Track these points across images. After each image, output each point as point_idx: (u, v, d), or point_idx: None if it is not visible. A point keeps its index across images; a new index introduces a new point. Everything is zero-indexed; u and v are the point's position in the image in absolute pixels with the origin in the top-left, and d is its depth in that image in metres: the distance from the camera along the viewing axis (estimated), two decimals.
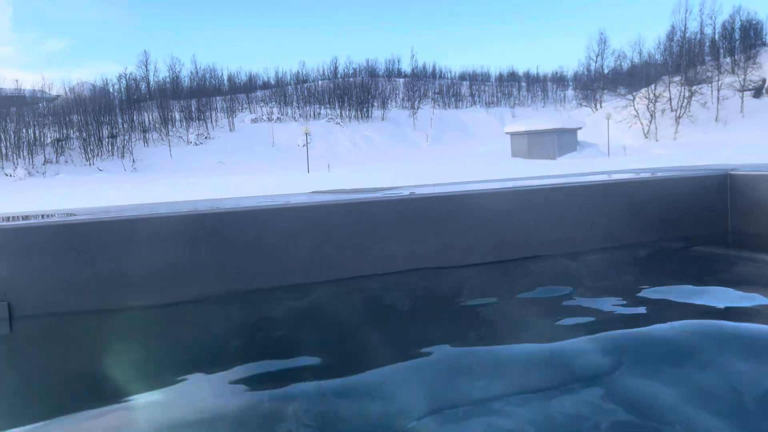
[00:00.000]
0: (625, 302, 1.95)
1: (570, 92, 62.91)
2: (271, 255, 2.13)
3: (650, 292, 2.04)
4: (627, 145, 38.11)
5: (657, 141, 40.64)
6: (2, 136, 39.32)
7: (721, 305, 1.88)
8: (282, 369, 1.53)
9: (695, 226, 2.62)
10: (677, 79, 42.69)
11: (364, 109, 54.73)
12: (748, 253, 2.45)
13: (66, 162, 40.75)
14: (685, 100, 41.63)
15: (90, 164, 41.20)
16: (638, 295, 2.02)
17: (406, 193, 2.34)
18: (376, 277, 2.20)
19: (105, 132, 43.54)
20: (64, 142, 41.94)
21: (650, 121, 42.10)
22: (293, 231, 2.13)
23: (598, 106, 54.64)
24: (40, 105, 47.31)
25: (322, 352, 1.63)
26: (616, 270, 2.39)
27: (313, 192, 2.92)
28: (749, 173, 2.50)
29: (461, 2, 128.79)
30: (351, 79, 58.89)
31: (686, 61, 45.44)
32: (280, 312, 2.05)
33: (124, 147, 43.23)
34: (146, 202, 3.03)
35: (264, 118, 52.66)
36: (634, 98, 42.98)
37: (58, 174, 37.23)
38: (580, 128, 38.01)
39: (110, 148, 43.06)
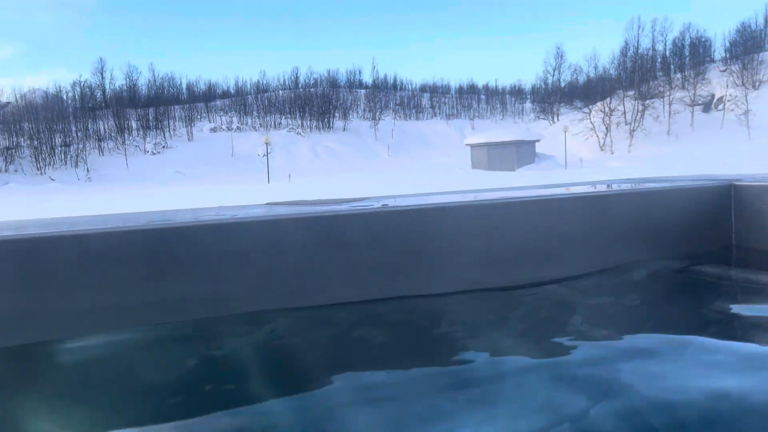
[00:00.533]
0: (624, 331, 1.72)
1: (528, 105, 64.08)
2: (216, 279, 1.73)
3: (651, 318, 1.85)
4: (583, 157, 38.97)
5: (612, 153, 41.66)
6: None
7: (725, 323, 1.76)
8: (228, 417, 1.25)
9: (697, 241, 2.40)
10: (631, 93, 43.96)
11: (326, 120, 54.64)
12: (754, 270, 2.26)
13: (16, 171, 39.47)
14: (639, 114, 42.88)
15: (41, 173, 39.98)
16: (637, 320, 1.84)
17: (377, 205, 1.97)
18: (344, 306, 1.85)
19: (58, 140, 42.35)
20: (14, 151, 40.62)
21: (606, 134, 43.16)
22: (242, 250, 1.74)
23: (556, 118, 55.77)
24: None
25: (276, 398, 1.35)
26: (614, 294, 2.12)
27: (269, 204, 2.45)
28: (755, 184, 2.32)
29: (422, 15, 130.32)
30: (312, 90, 58.78)
31: (639, 76, 46.82)
32: (227, 347, 1.69)
33: (77, 156, 42.11)
34: (72, 216, 2.62)
35: (223, 127, 52.05)
36: (590, 111, 44.03)
37: (7, 183, 36.00)
38: (538, 140, 38.67)
39: (63, 157, 41.89)
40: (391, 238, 1.92)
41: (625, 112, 43.67)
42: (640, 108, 43.08)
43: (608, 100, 44.58)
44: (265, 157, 36.52)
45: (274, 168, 40.35)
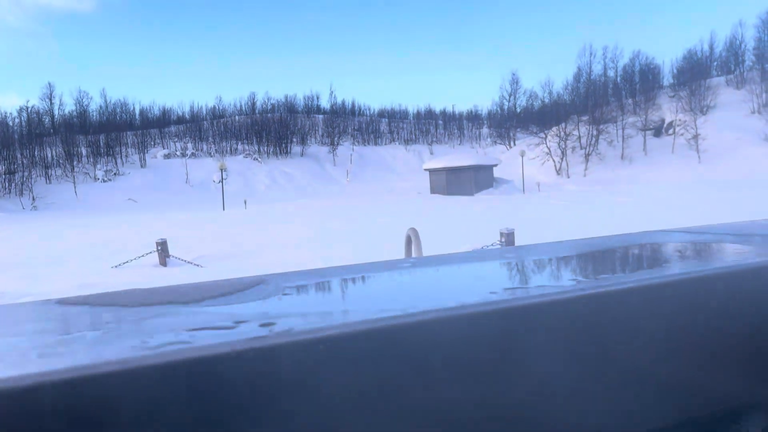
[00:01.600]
0: None
1: (485, 130, 64.79)
2: None
3: None
4: (540, 181, 39.30)
5: (569, 177, 42.17)
6: None
7: None
8: None
9: None
10: (585, 118, 44.82)
11: (283, 145, 54.03)
12: None
13: None
14: (593, 138, 43.65)
15: None
16: None
17: (261, 332, 0.77)
18: None
19: (1, 168, 40.61)
20: None
21: (562, 158, 43.73)
22: None
23: (512, 143, 56.42)
24: None
25: None
26: None
27: (46, 301, 1.02)
28: None
29: (377, 38, 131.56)
30: (269, 115, 58.19)
31: (592, 101, 47.81)
32: None
33: (23, 184, 40.40)
34: None
35: (178, 153, 50.90)
36: (546, 136, 44.63)
37: None
38: (496, 165, 38.86)
39: (7, 185, 40.13)
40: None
41: (579, 137, 44.41)
42: (594, 133, 43.89)
43: (563, 125, 45.31)
44: (221, 183, 35.65)
45: (230, 194, 39.46)
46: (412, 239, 3.29)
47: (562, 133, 44.08)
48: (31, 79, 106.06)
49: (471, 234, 9.32)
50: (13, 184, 40.25)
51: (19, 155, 42.37)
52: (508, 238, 6.26)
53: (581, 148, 44.01)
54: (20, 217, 33.34)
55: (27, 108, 53.27)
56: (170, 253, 8.40)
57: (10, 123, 51.24)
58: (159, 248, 8.23)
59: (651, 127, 45.57)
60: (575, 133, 44.55)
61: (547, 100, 57.48)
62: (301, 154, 54.17)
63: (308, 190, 46.14)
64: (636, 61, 53.12)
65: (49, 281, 6.97)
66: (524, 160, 40.28)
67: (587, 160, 42.99)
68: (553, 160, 43.77)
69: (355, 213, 19.26)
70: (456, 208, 19.53)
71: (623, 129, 44.57)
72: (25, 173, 41.11)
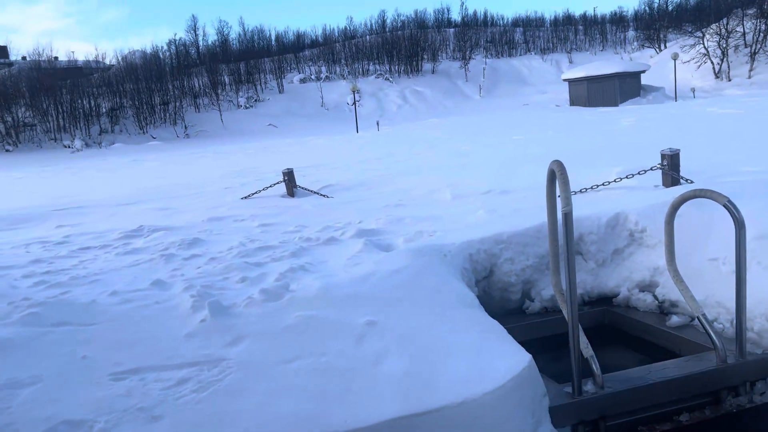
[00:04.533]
0: None
1: (631, 33, 59.32)
2: None
3: None
4: (696, 86, 35.57)
5: (729, 81, 37.75)
6: (59, 108, 40.04)
7: None
8: None
9: None
10: (752, 11, 39.26)
11: (414, 63, 53.13)
12: None
13: (121, 131, 41.28)
14: (762, 35, 38.28)
15: (143, 132, 41.61)
16: None
17: None
18: None
19: (157, 99, 43.78)
20: (118, 111, 42.44)
21: (722, 60, 39.06)
22: None
23: (663, 46, 51.27)
24: (95, 75, 47.91)
25: None
26: None
27: None
28: None
29: None
30: (399, 33, 57.18)
31: None
32: None
33: (176, 114, 43.41)
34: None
35: (312, 77, 51.90)
36: (703, 35, 39.88)
37: (113, 144, 37.75)
38: (643, 71, 35.61)
39: (162, 115, 43.33)
40: None
41: (744, 34, 39.19)
42: (763, 28, 38.40)
43: (724, 20, 40.11)
44: (354, 105, 35.98)
45: (363, 116, 39.83)
46: (556, 175, 2.87)
47: (723, 30, 39.12)
48: (178, 11, 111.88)
49: (621, 154, 8.51)
50: (167, 114, 43.37)
51: (170, 86, 45.34)
52: (672, 161, 5.54)
53: (746, 47, 38.92)
54: (174, 144, 36.05)
55: (175, 41, 56.56)
56: (297, 183, 8.54)
57: (161, 56, 54.82)
58: (286, 179, 8.37)
59: None
60: (739, 29, 39.34)
61: None
62: (432, 72, 53.05)
63: (439, 108, 45.39)
64: None
65: (183, 214, 7.36)
66: (677, 63, 36.51)
67: (753, 60, 38.03)
68: (711, 62, 39.23)
69: (488, 130, 18.59)
70: (599, 121, 18.18)
71: None
72: (177, 103, 44.05)
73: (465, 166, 9.84)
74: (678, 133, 11.17)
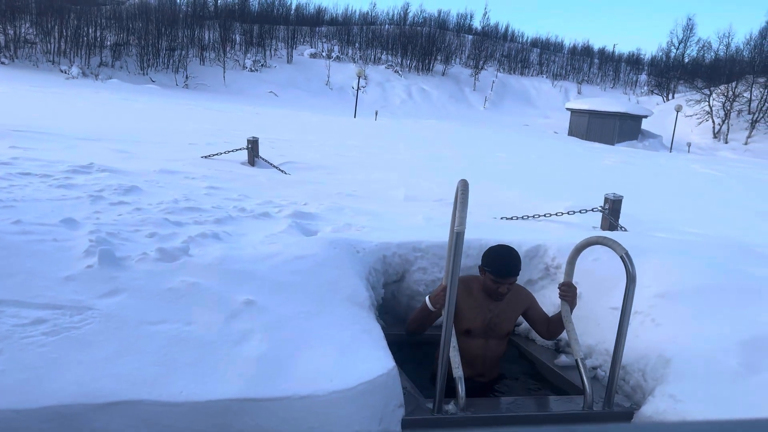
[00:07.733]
0: None
1: (643, 77, 59.65)
2: None
3: None
4: (693, 142, 35.87)
5: (726, 143, 38.12)
6: (63, 32, 39.46)
7: None
8: None
9: None
10: (762, 80, 39.63)
11: (426, 61, 52.99)
12: None
13: (121, 68, 40.80)
14: (766, 104, 38.70)
15: (144, 74, 41.15)
16: None
17: None
18: None
19: (163, 44, 43.27)
20: (122, 48, 41.91)
21: (723, 121, 39.43)
22: None
23: (671, 96, 51.63)
24: (107, 6, 47.23)
25: None
26: None
27: None
28: None
29: None
30: (419, 28, 56.97)
31: None
32: None
33: (179, 62, 42.96)
34: None
35: (323, 54, 51.57)
36: (711, 93, 40.22)
37: (110, 78, 37.28)
38: (646, 116, 35.88)
39: (166, 60, 42.84)
40: None
41: (750, 100, 39.58)
42: None
43: (734, 84, 40.48)
44: (358, 90, 35.82)
45: (365, 102, 39.66)
46: (458, 194, 2.85)
47: (730, 93, 39.47)
48: None
49: (582, 190, 8.57)
50: (171, 60, 42.89)
51: (180, 34, 44.83)
52: (613, 206, 5.60)
53: (749, 113, 39.29)
54: (171, 92, 35.68)
55: None
56: (260, 154, 8.48)
57: (178, 2, 54.10)
58: (249, 146, 8.32)
59: None
60: (746, 95, 39.70)
61: (721, 54, 51.53)
62: (443, 74, 52.98)
63: (442, 111, 45.34)
64: None
65: (138, 161, 7.29)
66: (679, 116, 36.78)
67: (752, 127, 38.41)
68: (713, 121, 39.58)
69: (478, 142, 18.64)
70: (586, 156, 18.28)
71: None
72: (183, 52, 43.59)
73: (435, 170, 9.85)
74: (648, 182, 11.25)
